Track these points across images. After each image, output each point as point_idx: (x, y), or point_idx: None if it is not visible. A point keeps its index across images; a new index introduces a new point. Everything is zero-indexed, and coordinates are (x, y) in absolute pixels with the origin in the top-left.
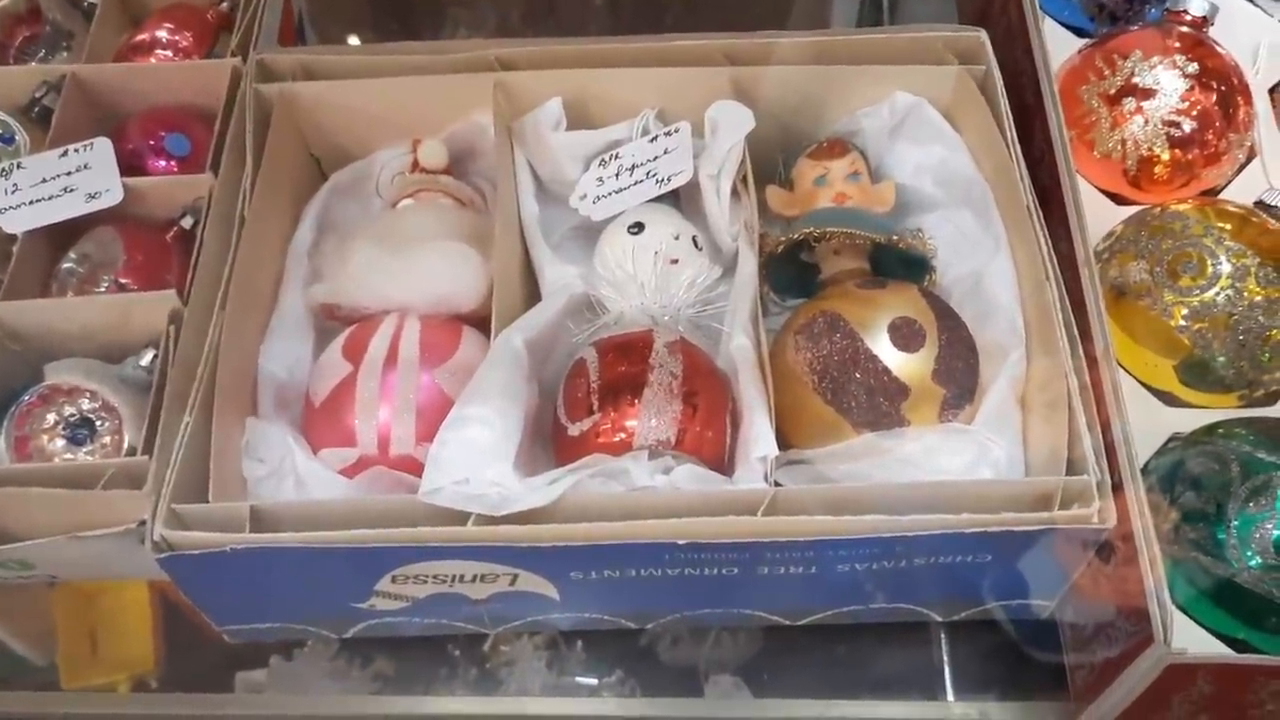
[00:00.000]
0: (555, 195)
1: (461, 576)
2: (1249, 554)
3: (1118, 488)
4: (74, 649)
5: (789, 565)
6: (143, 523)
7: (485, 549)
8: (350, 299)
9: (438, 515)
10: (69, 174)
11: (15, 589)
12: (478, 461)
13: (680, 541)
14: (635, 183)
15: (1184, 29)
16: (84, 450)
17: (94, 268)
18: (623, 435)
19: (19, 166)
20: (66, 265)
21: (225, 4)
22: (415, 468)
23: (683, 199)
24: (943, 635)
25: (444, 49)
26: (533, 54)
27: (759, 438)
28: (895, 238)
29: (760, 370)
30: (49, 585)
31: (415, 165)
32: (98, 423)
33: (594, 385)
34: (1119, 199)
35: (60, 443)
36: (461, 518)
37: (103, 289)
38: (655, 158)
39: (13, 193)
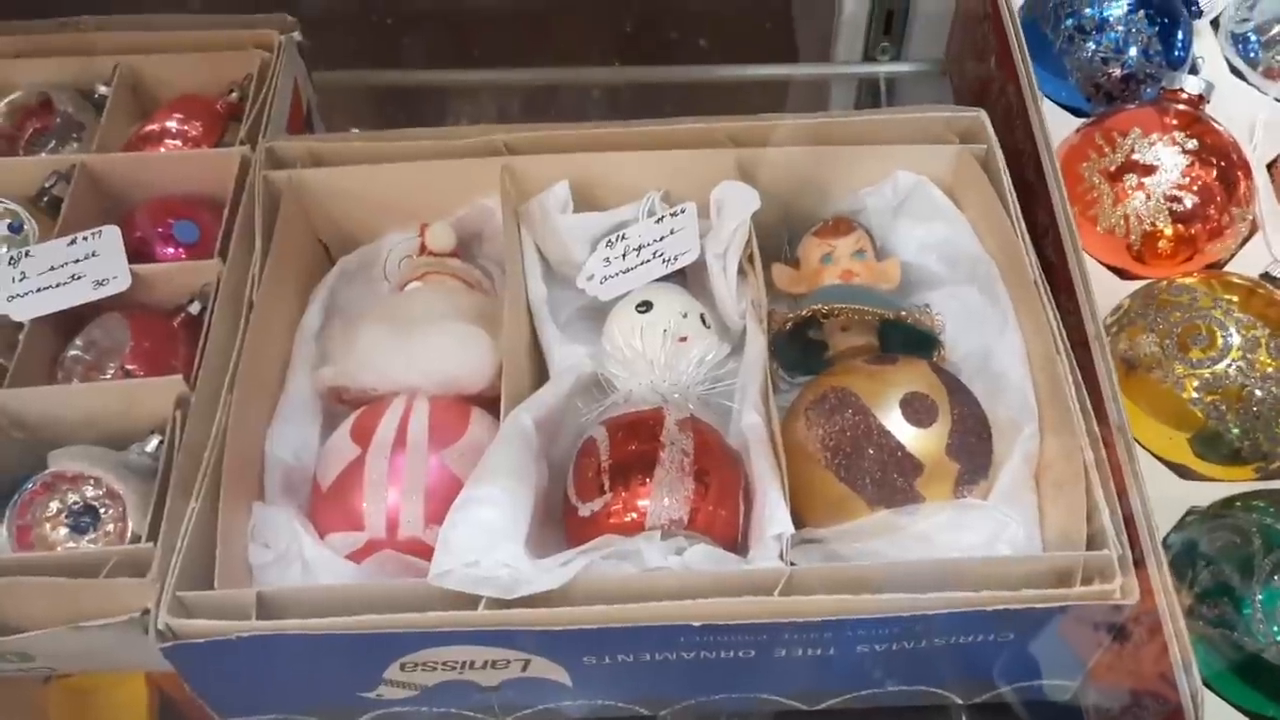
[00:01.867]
0: (562, 276)
1: (472, 663)
2: (1276, 629)
3: (1138, 563)
4: None
5: (806, 647)
6: (146, 611)
7: (496, 633)
8: (358, 381)
9: (448, 599)
10: (77, 261)
11: (6, 687)
12: (488, 543)
13: (696, 623)
14: (642, 263)
15: (1181, 107)
16: (87, 538)
17: (100, 355)
18: (634, 515)
19: (27, 255)
20: (72, 353)
21: (235, 95)
22: (424, 551)
23: (689, 278)
24: (964, 719)
25: (451, 134)
26: (539, 138)
27: (774, 516)
28: (904, 314)
29: (772, 447)
30: (43, 682)
31: (423, 249)
32: (101, 510)
33: (604, 464)
34: (1123, 274)
35: (63, 531)
36: (473, 601)
37: (108, 376)
38: (662, 238)
39: (20, 280)
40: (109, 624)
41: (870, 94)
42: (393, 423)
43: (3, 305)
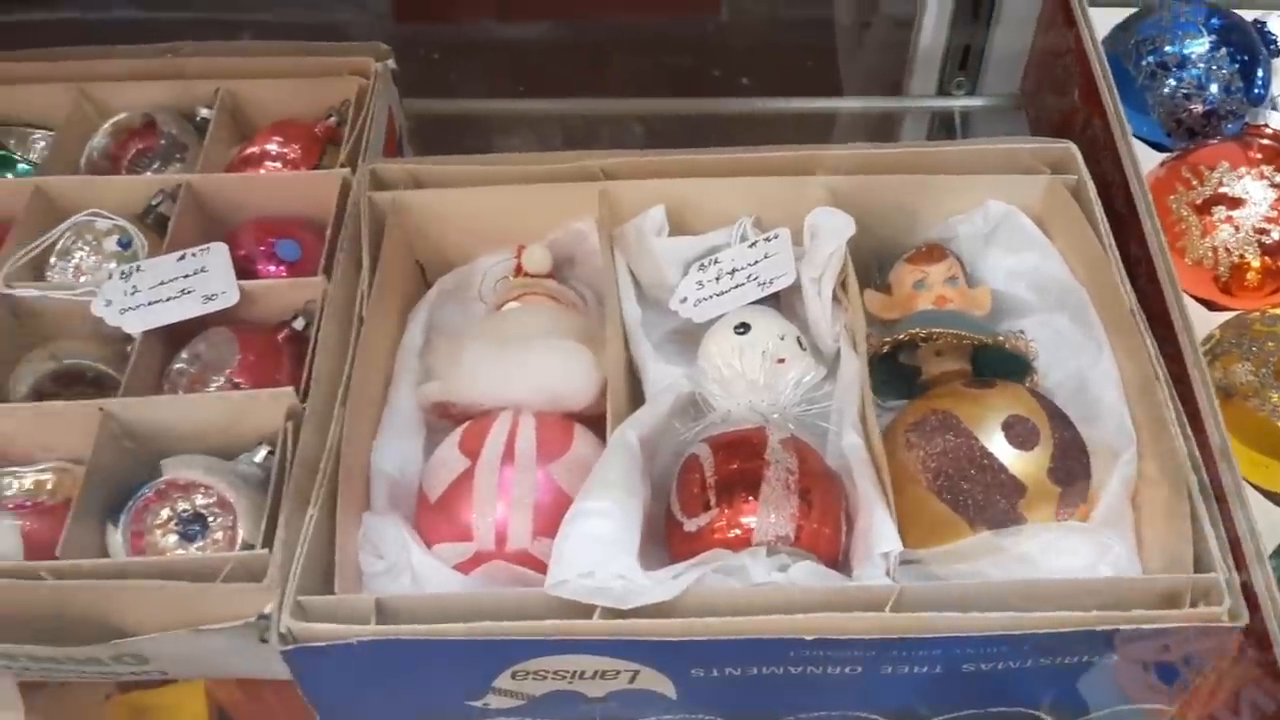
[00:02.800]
0: (654, 299)
1: (582, 673)
2: None
3: (1244, 585)
4: None
5: (913, 664)
6: (262, 616)
7: (611, 643)
8: (465, 397)
9: (562, 609)
10: (186, 276)
11: (68, 702)
12: (601, 555)
13: (808, 637)
14: (736, 286)
15: (1266, 141)
16: (195, 545)
17: (204, 368)
18: (740, 531)
19: (138, 269)
20: (178, 365)
21: (332, 119)
22: (531, 563)
23: (781, 302)
24: None
25: (547, 159)
26: (634, 164)
27: (881, 534)
28: (1001, 339)
29: (875, 467)
30: (105, 698)
31: (519, 270)
32: (210, 518)
33: (710, 481)
34: (1210, 305)
35: (173, 538)
36: (587, 611)
37: (212, 388)
38: (755, 262)
39: (132, 294)
40: (228, 627)
41: (943, 127)
42: (500, 437)
43: (115, 317)
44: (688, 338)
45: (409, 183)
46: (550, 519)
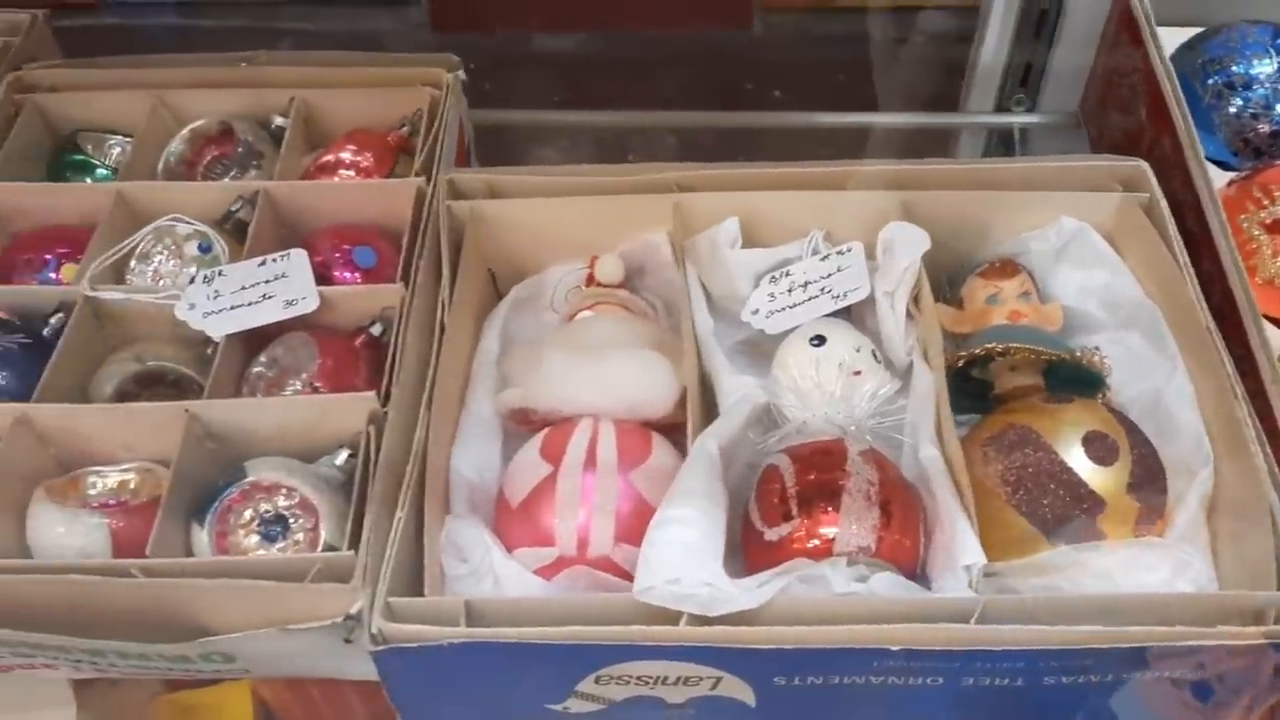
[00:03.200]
0: (723, 310)
1: (665, 678)
2: None
3: None
4: None
5: (995, 676)
6: (349, 617)
7: (698, 649)
8: (545, 403)
9: (647, 615)
10: (267, 282)
11: (117, 701)
12: (688, 562)
13: (894, 648)
14: (809, 298)
15: None
16: (276, 546)
17: (282, 371)
18: (821, 541)
19: (220, 274)
20: (256, 369)
21: (405, 129)
22: (613, 569)
23: (852, 314)
24: None
25: (623, 171)
26: (707, 176)
27: (964, 546)
28: (1078, 355)
29: (955, 480)
30: (151, 697)
31: (590, 280)
32: (291, 520)
33: (790, 491)
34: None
35: (254, 539)
36: (673, 617)
37: (288, 392)
38: (828, 275)
39: (215, 298)
40: (315, 627)
41: (1000, 144)
42: (582, 443)
43: (199, 321)
44: (755, 349)
45: (485, 192)
46: (631, 526)
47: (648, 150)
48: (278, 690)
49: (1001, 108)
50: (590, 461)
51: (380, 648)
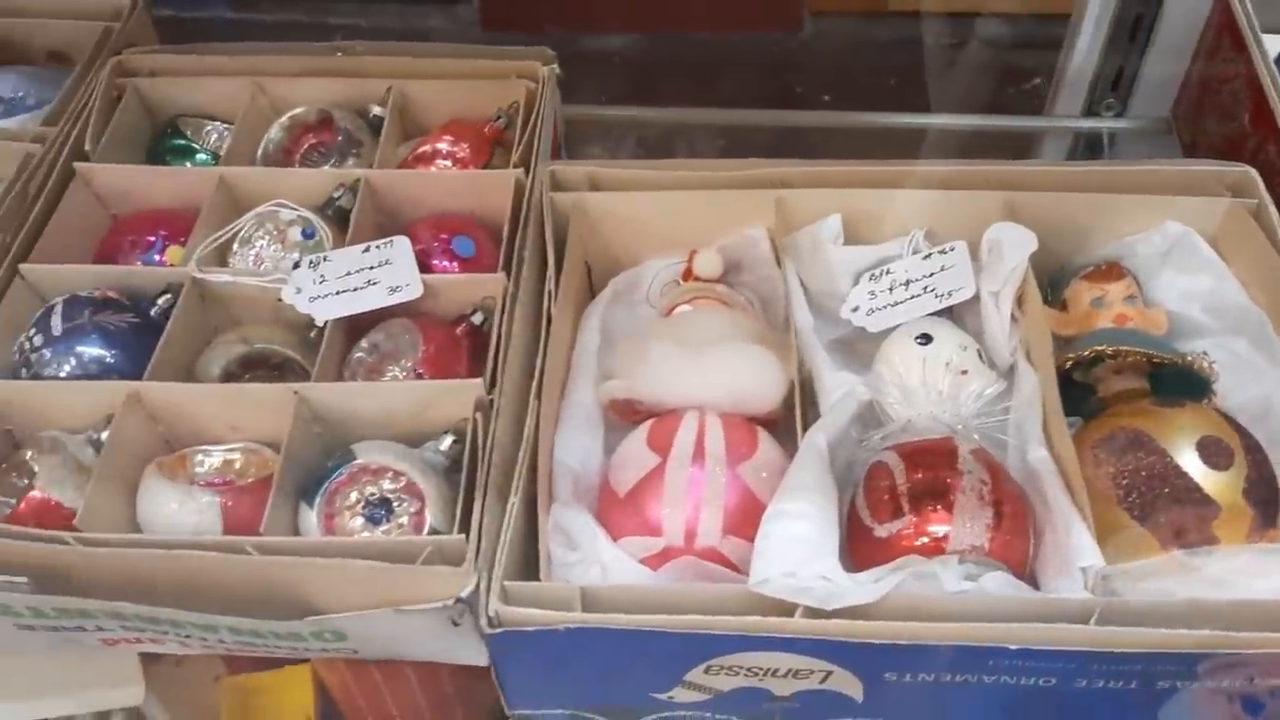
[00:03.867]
0: (820, 307)
1: (776, 670)
2: None
3: None
4: None
5: (1109, 679)
6: (460, 600)
7: (812, 642)
8: (651, 395)
9: (760, 607)
10: (371, 268)
11: (183, 681)
12: (803, 555)
13: (1012, 647)
14: (911, 297)
15: None
16: (380, 529)
17: (382, 357)
18: (932, 539)
19: (325, 259)
20: (358, 354)
21: (501, 120)
22: (721, 560)
23: (954, 314)
24: None
25: (725, 166)
26: (808, 173)
27: (1081, 548)
28: (1190, 359)
29: (1068, 481)
30: (215, 679)
31: (688, 274)
32: (395, 503)
33: (902, 489)
34: None
35: (359, 521)
36: (787, 610)
37: (387, 377)
38: (931, 274)
39: (321, 283)
40: (429, 608)
41: (1087, 148)
42: (689, 435)
43: (305, 305)
44: (849, 347)
45: (586, 185)
46: (739, 518)
47: (693, 150)
48: (340, 673)
49: (1090, 112)
50: (699, 453)
51: (496, 630)
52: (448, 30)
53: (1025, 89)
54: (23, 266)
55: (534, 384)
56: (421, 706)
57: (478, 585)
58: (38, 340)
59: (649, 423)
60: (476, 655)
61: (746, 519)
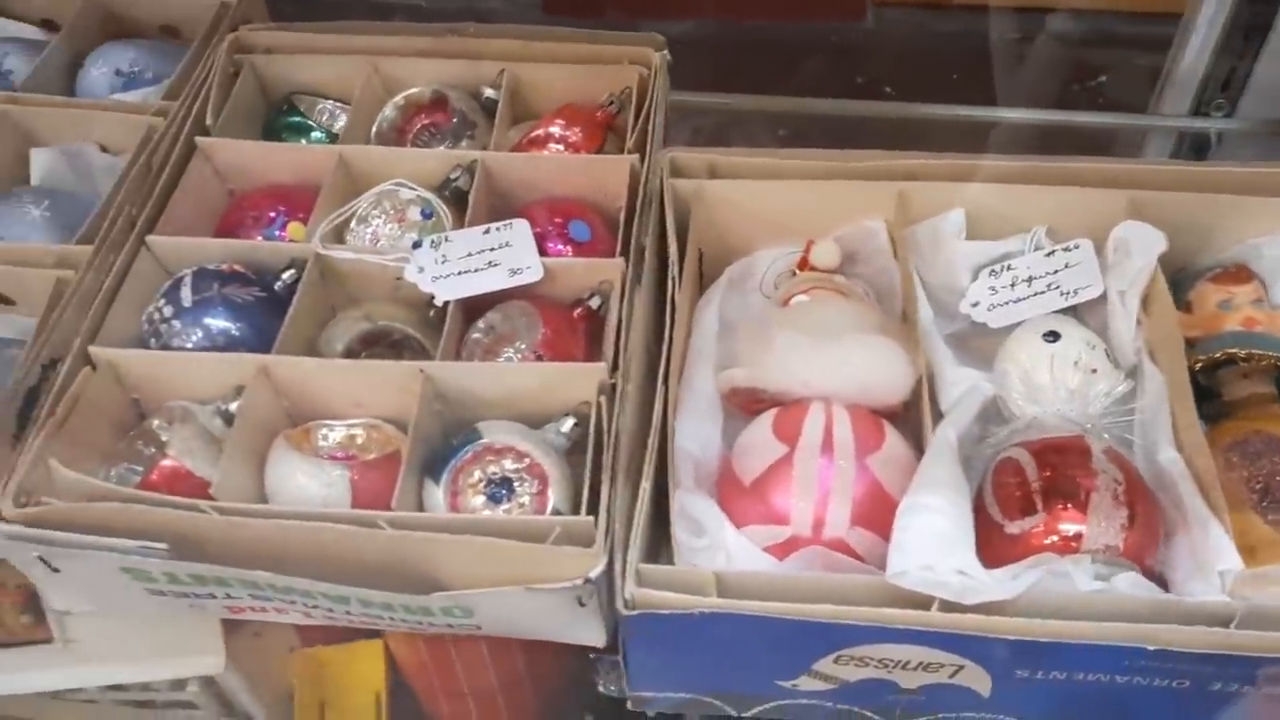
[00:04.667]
0: (935, 301)
1: (907, 663)
2: None
3: None
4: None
5: (1244, 683)
6: (588, 580)
7: (948, 636)
8: (777, 384)
9: (893, 599)
10: (492, 250)
11: (258, 652)
12: (940, 549)
13: (1150, 647)
14: (1035, 294)
15: None
16: (501, 508)
17: (498, 338)
18: (1065, 538)
19: (447, 240)
20: (475, 335)
21: (613, 105)
22: (848, 551)
23: (1074, 311)
24: None
25: (847, 157)
26: (931, 166)
27: (1219, 550)
28: None
29: (1203, 484)
30: (289, 650)
31: (803, 263)
32: (516, 483)
33: (1034, 486)
34: None
35: (480, 499)
36: (923, 602)
37: (502, 359)
38: (1055, 271)
39: (443, 263)
40: (558, 588)
41: (1192, 148)
42: (817, 426)
43: (428, 284)
44: (962, 342)
45: (705, 172)
46: (867, 510)
47: (752, 138)
48: (415, 649)
49: (1198, 112)
50: (827, 444)
51: (633, 613)
52: (507, 12)
53: (1090, 85)
54: (149, 238)
55: (661, 369)
56: (492, 685)
57: (608, 567)
58: (167, 311)
59: (773, 412)
60: (595, 635)
61: (874, 511)
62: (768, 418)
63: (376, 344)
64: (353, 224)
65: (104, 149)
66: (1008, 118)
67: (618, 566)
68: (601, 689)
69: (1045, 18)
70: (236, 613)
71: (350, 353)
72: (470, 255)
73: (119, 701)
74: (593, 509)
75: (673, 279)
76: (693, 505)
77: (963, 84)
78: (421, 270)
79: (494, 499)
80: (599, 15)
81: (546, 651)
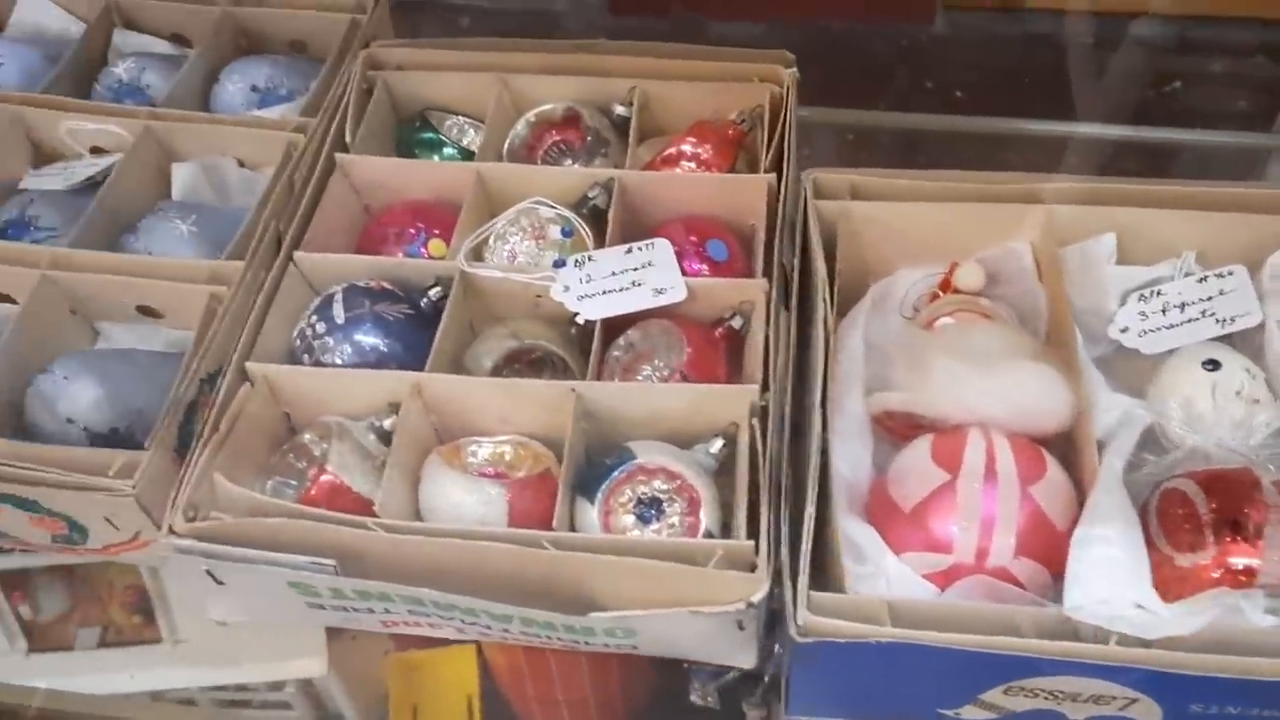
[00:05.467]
0: (1081, 325)
1: (1078, 695)
2: None
3: None
4: None
5: None
6: (750, 604)
7: (1123, 669)
8: (935, 409)
9: (1067, 630)
10: (635, 269)
11: (355, 654)
12: (1116, 581)
13: None
14: (1188, 320)
15: None
16: (650, 528)
17: (636, 356)
18: (1234, 571)
19: (590, 259)
20: (615, 353)
21: (744, 123)
22: (1011, 581)
23: (1232, 339)
24: None
25: (991, 179)
26: (1078, 190)
27: None
28: None
29: None
30: (384, 654)
31: (946, 285)
32: (666, 503)
33: (1205, 517)
34: None
35: (629, 519)
36: (1100, 635)
37: (641, 378)
38: (1209, 298)
39: (587, 282)
40: (722, 611)
41: None
42: (979, 453)
43: (574, 303)
44: (1106, 366)
45: (848, 193)
46: (1030, 540)
47: (813, 147)
48: (511, 654)
49: None
50: (990, 472)
51: (806, 640)
52: (573, 14)
53: (1165, 92)
54: (297, 255)
55: (819, 392)
56: (587, 693)
57: (770, 591)
58: (320, 327)
59: (930, 437)
60: (748, 657)
61: (1038, 540)
62: (925, 443)
63: (518, 361)
64: (490, 241)
65: (241, 163)
66: (1126, 136)
67: (787, 593)
68: (694, 699)
69: (1120, 21)
70: (389, 626)
71: (496, 370)
72: (614, 274)
73: (217, 702)
74: (751, 532)
75: (824, 301)
76: (852, 530)
77: (1036, 89)
78: (567, 289)
79: (643, 519)
80: (665, 14)
81: (642, 661)
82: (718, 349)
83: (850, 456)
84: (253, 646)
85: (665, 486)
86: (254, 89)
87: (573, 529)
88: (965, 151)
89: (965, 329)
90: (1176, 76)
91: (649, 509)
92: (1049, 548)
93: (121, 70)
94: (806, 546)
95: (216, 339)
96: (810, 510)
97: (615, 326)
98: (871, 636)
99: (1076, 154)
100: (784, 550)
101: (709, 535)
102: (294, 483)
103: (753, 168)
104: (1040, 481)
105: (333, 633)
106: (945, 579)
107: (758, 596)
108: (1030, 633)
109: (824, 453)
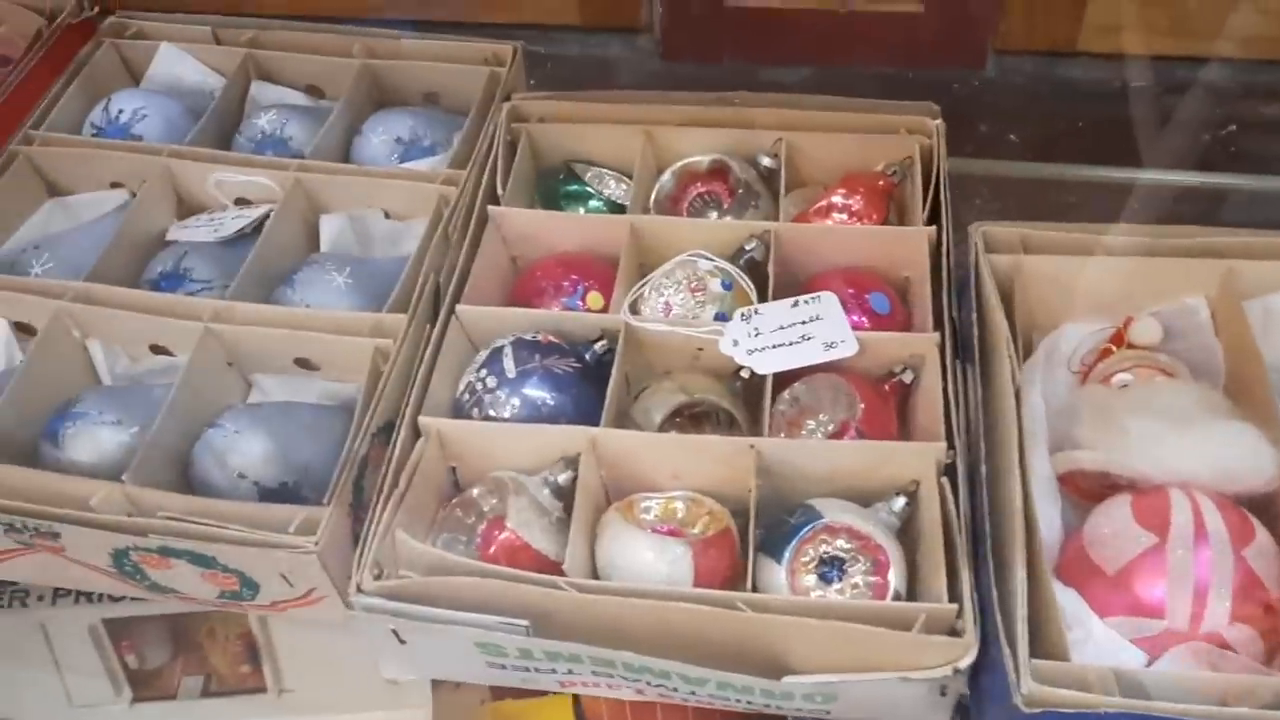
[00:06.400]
0: None
1: None
2: None
3: None
4: None
5: None
6: (957, 670)
7: None
8: (1133, 469)
9: None
10: (803, 323)
11: (452, 702)
12: None
13: None
14: None
15: None
16: (833, 588)
17: (801, 410)
18: None
19: (756, 313)
20: (780, 407)
21: (895, 175)
22: (1226, 647)
23: None
24: None
25: (1165, 233)
26: (1258, 244)
27: None
28: None
29: None
30: (480, 703)
31: (1119, 340)
32: (848, 562)
33: None
34: None
35: (812, 579)
36: None
37: (804, 433)
38: None
39: (755, 336)
40: (927, 678)
41: None
42: (1186, 515)
43: (743, 358)
44: None
45: (1020, 247)
46: (1245, 604)
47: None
48: (615, 706)
49: None
50: (1200, 534)
51: (1036, 711)
52: (627, 60)
53: (1221, 135)
54: (459, 308)
55: (1017, 450)
56: None
57: (979, 656)
58: (490, 381)
59: (1128, 497)
60: None
61: (1253, 605)
62: (1124, 504)
63: (679, 414)
64: (646, 292)
65: (386, 214)
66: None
67: (1008, 661)
68: None
69: (1170, 65)
70: (566, 686)
71: (664, 424)
72: (781, 329)
73: None
74: (953, 595)
75: (1010, 357)
76: (1059, 594)
77: (1090, 134)
78: (736, 344)
79: (825, 579)
80: (717, 61)
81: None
82: (888, 403)
83: (1043, 516)
84: (357, 695)
85: (849, 545)
86: (398, 140)
87: (754, 588)
88: (1025, 195)
89: (1156, 387)
90: (1232, 120)
91: (831, 568)
92: (1262, 613)
93: (264, 122)
94: (1023, 612)
95: (386, 393)
96: (1021, 574)
97: (778, 381)
98: (1103, 707)
99: (1138, 199)
100: (996, 615)
101: (897, 597)
102: (464, 538)
103: (902, 219)
104: (1252, 544)
105: (436, 682)
106: (1156, 645)
107: (965, 662)
108: (1264, 702)
109: (1026, 513)
